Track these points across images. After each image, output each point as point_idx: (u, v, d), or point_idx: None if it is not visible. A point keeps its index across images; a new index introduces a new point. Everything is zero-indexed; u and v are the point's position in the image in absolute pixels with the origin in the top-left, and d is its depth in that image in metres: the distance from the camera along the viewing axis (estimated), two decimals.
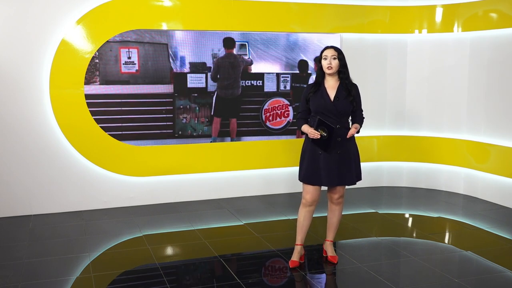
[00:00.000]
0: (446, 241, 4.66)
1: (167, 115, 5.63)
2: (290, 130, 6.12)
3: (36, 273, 3.80)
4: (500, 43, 5.60)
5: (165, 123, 5.63)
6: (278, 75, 6.00)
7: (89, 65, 5.24)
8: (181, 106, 5.66)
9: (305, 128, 3.79)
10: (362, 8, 6.13)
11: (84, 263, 4.00)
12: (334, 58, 3.73)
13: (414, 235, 4.83)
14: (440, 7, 6.09)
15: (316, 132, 3.66)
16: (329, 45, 3.88)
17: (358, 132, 3.85)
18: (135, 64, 5.46)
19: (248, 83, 5.90)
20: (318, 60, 3.83)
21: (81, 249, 4.30)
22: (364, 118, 3.90)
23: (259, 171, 6.04)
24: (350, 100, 3.77)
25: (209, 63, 5.71)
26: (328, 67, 3.72)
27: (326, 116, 3.71)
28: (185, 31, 5.55)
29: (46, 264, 3.98)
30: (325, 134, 3.65)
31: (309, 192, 3.82)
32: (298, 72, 6.05)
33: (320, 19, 6.00)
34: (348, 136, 3.70)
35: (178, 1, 5.49)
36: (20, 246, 4.37)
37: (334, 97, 3.75)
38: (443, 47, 6.15)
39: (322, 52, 3.78)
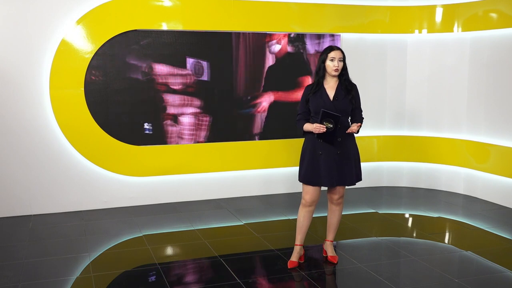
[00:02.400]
0: (446, 241, 4.66)
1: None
2: None
3: (36, 273, 3.80)
4: (500, 43, 5.60)
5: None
6: None
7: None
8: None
9: (308, 126, 3.78)
10: (362, 8, 6.13)
11: (84, 263, 4.00)
12: (341, 61, 3.73)
13: (414, 235, 4.83)
14: (440, 7, 6.09)
15: (322, 125, 3.66)
16: (333, 45, 3.86)
17: (357, 132, 3.85)
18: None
19: None
20: (321, 59, 3.79)
21: (81, 249, 4.30)
22: (363, 118, 3.90)
23: (259, 171, 6.05)
24: (349, 98, 3.77)
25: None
26: (335, 69, 3.72)
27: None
28: (186, 31, 5.55)
29: (46, 264, 3.98)
30: (331, 126, 3.64)
31: (309, 192, 3.82)
32: None
33: (320, 19, 6.00)
34: (348, 131, 3.69)
35: (178, 1, 5.49)
36: (20, 246, 4.37)
37: (334, 96, 3.75)
38: (443, 47, 6.15)
39: (327, 52, 3.75)
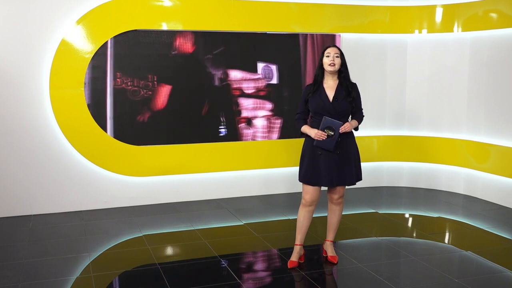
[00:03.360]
0: (446, 241, 4.66)
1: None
2: None
3: (36, 273, 3.80)
4: (500, 43, 5.60)
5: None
6: None
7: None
8: None
9: (306, 129, 3.78)
10: (362, 8, 6.13)
11: (84, 263, 4.00)
12: (337, 56, 3.74)
13: (414, 235, 4.83)
14: (440, 7, 6.09)
15: (323, 132, 3.66)
16: (331, 45, 3.89)
17: (356, 129, 3.85)
18: None
19: None
20: (320, 59, 3.82)
21: (81, 249, 4.30)
22: (363, 116, 3.90)
23: (259, 171, 6.04)
24: (349, 100, 3.77)
25: None
26: (330, 64, 3.72)
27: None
28: (186, 31, 5.55)
29: (46, 264, 3.98)
30: (332, 133, 3.65)
31: (309, 192, 3.81)
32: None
33: (320, 19, 6.00)
34: (341, 131, 3.69)
35: (178, 1, 5.49)
36: (20, 246, 4.37)
37: (333, 98, 3.75)
38: (443, 47, 6.15)
39: (324, 50, 3.78)
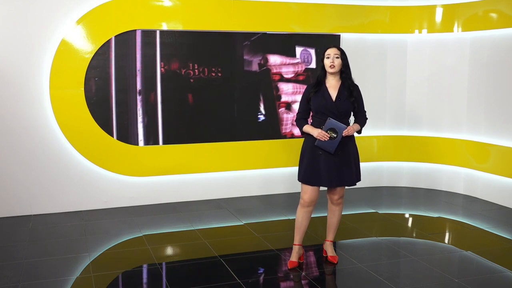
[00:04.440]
0: (446, 241, 4.66)
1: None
2: None
3: (36, 273, 3.80)
4: (500, 43, 5.60)
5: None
6: None
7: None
8: None
9: (308, 128, 3.78)
10: (362, 8, 6.13)
11: (84, 263, 4.00)
12: (337, 57, 3.73)
13: (414, 235, 4.83)
14: (440, 7, 6.09)
15: (326, 133, 3.66)
16: (331, 45, 3.88)
17: (359, 133, 3.85)
18: None
19: None
20: (321, 59, 3.82)
21: (81, 249, 4.30)
22: (367, 119, 3.90)
23: (258, 171, 6.04)
24: (351, 100, 3.77)
25: None
26: (330, 66, 3.72)
27: (326, 116, 3.71)
28: (186, 31, 5.55)
29: (46, 264, 3.98)
30: (335, 135, 3.65)
31: (307, 192, 3.81)
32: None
33: (320, 19, 6.00)
34: (344, 134, 3.69)
35: (178, 1, 5.49)
36: (20, 246, 4.37)
37: (336, 97, 3.75)
38: (443, 47, 6.15)
39: (324, 51, 3.78)
